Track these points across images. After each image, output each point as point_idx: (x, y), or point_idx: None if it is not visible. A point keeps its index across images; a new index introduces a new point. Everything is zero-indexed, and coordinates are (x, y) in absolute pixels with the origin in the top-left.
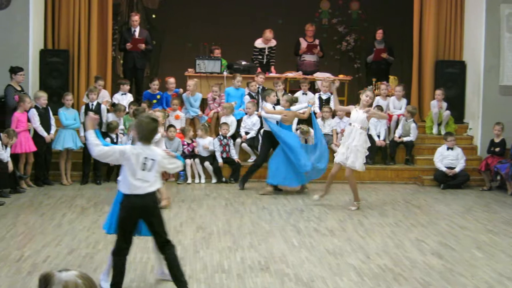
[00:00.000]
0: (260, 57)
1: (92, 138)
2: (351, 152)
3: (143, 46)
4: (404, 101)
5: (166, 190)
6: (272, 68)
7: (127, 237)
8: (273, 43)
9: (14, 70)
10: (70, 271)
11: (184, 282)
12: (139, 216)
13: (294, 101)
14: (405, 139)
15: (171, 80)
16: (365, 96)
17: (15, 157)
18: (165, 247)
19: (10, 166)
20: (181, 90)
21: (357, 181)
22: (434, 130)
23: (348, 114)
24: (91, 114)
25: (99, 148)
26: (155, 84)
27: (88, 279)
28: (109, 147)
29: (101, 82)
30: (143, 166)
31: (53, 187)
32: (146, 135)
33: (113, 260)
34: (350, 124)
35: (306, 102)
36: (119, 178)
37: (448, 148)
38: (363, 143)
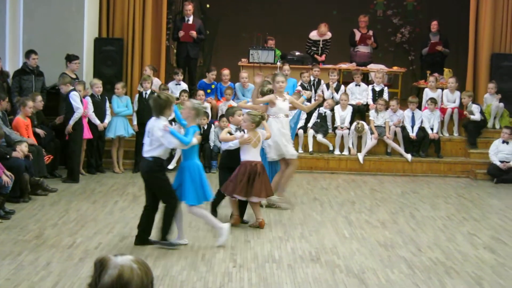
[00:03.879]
0: (315, 48)
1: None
2: (287, 142)
3: (194, 33)
4: (457, 93)
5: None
6: (323, 57)
7: None
8: (328, 36)
9: (70, 58)
10: (125, 255)
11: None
12: None
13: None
14: (472, 117)
15: (226, 72)
16: (276, 83)
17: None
18: None
19: None
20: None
21: (409, 173)
22: (489, 124)
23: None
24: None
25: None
26: (213, 74)
27: (144, 264)
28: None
29: (149, 69)
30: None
31: (105, 175)
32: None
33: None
34: (275, 116)
35: (359, 93)
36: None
37: (503, 142)
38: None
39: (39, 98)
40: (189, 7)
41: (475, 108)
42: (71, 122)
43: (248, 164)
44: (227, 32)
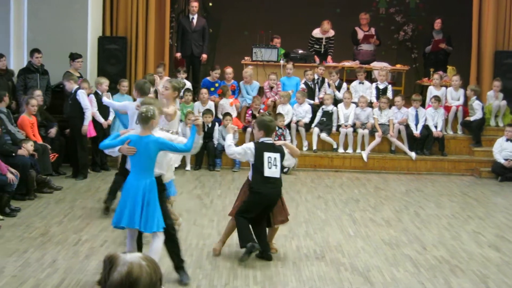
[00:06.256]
0: (317, 46)
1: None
2: None
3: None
4: (461, 91)
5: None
6: (329, 58)
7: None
8: (331, 33)
9: (73, 57)
10: (134, 253)
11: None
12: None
13: None
14: (472, 118)
15: (229, 70)
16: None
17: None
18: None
19: None
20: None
21: (414, 172)
22: (492, 122)
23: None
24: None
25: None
26: (217, 73)
27: (152, 261)
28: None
29: (160, 69)
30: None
31: (110, 173)
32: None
33: None
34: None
35: (362, 92)
36: None
37: (507, 140)
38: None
39: (38, 92)
40: (195, 4)
41: (476, 104)
42: (86, 122)
43: None
44: (230, 31)
